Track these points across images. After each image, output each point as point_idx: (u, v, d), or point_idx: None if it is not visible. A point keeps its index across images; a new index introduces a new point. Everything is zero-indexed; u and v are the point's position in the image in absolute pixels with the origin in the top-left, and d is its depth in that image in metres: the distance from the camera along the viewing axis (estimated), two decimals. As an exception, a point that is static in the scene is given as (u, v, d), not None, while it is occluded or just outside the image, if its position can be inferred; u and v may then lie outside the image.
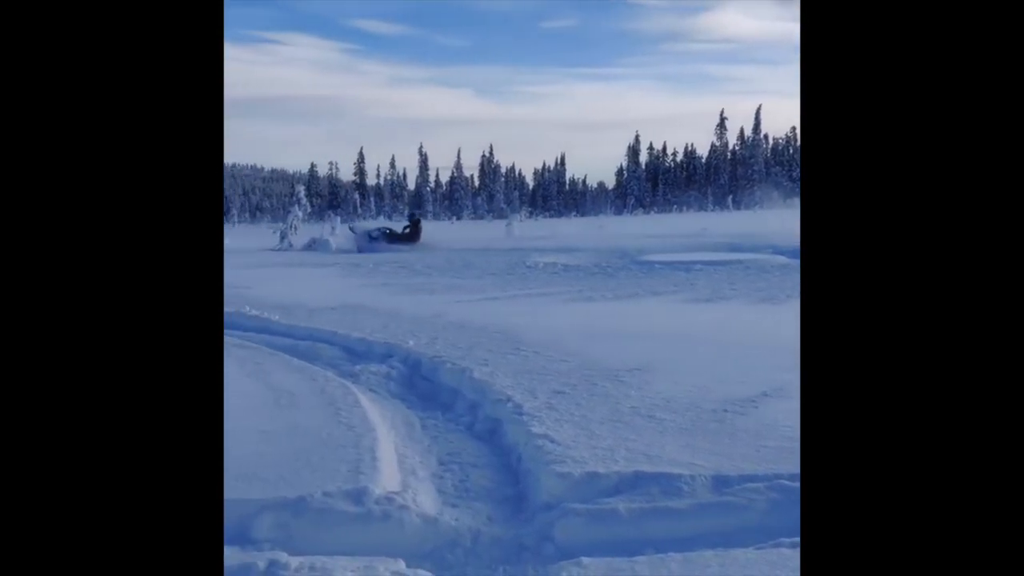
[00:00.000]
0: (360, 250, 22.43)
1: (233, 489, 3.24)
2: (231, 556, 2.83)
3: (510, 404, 4.53)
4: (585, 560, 2.73)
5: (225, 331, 7.82)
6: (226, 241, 25.96)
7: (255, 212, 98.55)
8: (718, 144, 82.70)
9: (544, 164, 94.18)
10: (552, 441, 3.81)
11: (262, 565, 2.69)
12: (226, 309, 8.91)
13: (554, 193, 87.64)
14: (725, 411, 4.25)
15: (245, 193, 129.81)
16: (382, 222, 36.78)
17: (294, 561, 2.71)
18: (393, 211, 76.61)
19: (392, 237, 23.44)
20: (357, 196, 79.40)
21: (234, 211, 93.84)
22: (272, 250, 24.54)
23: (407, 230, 23.92)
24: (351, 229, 25.56)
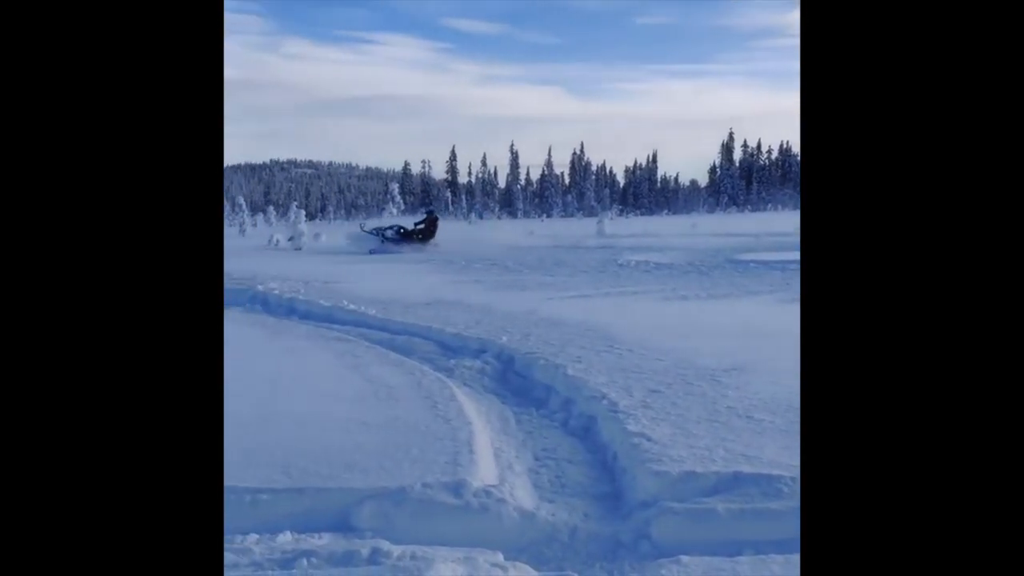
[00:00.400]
0: (372, 252, 20.38)
1: (335, 478, 3.34)
2: (334, 543, 2.92)
3: (605, 401, 4.52)
4: (684, 559, 2.72)
5: (325, 325, 8.08)
6: (323, 238, 26.75)
7: (350, 209, 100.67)
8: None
9: (635, 162, 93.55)
10: (648, 439, 3.79)
11: (365, 553, 2.76)
12: (325, 303, 9.17)
13: (645, 191, 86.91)
14: (826, 413, 4.15)
15: (340, 191, 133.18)
16: (397, 220, 32.64)
17: (396, 550, 2.77)
18: (484, 208, 77.23)
19: (404, 236, 21.52)
20: (449, 194, 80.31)
21: (330, 208, 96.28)
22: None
23: (419, 226, 22.21)
24: (362, 228, 23.78)
